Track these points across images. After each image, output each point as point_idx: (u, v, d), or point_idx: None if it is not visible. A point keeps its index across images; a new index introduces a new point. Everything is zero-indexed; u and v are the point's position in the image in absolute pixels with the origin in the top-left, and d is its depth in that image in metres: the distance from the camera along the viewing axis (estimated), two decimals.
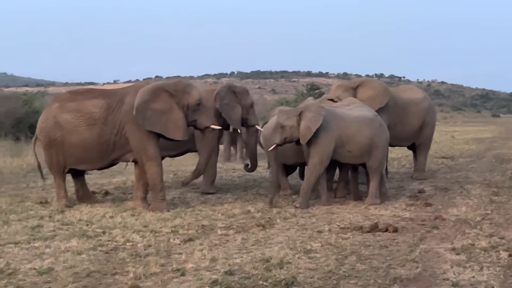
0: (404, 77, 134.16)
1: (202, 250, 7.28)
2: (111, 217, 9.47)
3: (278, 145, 10.65)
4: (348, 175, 11.77)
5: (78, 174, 11.14)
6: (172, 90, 10.36)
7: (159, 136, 10.26)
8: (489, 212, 9.73)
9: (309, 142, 10.43)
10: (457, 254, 7.16)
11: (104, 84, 74.87)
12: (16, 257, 7.04)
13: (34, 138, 10.98)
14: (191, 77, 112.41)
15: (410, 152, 15.82)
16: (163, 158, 10.94)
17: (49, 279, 6.18)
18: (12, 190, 12.44)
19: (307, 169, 10.82)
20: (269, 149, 10.85)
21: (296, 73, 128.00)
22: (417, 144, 14.38)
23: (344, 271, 6.42)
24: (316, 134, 10.29)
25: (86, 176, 11.56)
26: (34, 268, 6.51)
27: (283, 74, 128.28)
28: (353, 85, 13.65)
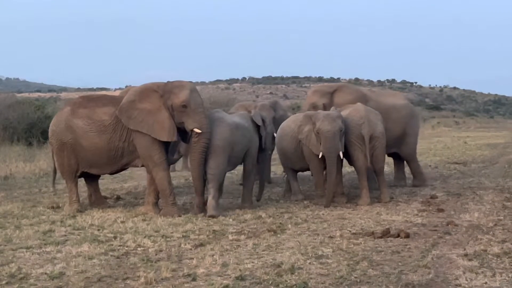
0: (416, 82, 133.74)
1: (213, 255, 7.29)
2: (122, 222, 9.50)
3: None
4: (367, 182, 11.61)
5: (91, 179, 11.19)
6: (161, 91, 10.43)
7: (164, 141, 10.30)
8: (502, 218, 9.67)
9: None
10: (470, 260, 7.11)
11: (116, 89, 75.24)
12: (28, 261, 7.08)
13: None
14: (203, 83, 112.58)
15: (422, 158, 15.79)
16: None
17: (60, 284, 6.20)
18: (24, 195, 12.51)
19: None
20: None
21: (308, 79, 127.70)
22: (403, 156, 13.89)
23: (355, 277, 6.40)
24: None
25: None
26: (46, 273, 6.54)
27: (295, 80, 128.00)
28: (330, 90, 13.55)
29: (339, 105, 12.81)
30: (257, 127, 11.21)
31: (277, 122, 13.91)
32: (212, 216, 9.88)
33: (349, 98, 13.17)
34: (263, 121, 11.37)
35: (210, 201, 10.15)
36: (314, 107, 13.09)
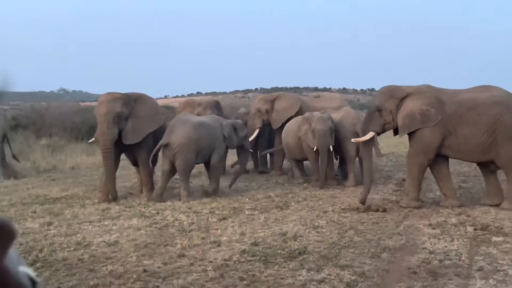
0: None
1: (233, 226, 7.31)
2: (163, 201, 9.51)
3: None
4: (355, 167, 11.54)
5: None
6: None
7: None
8: (458, 195, 9.59)
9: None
10: (433, 228, 7.11)
11: (157, 98, 75.24)
12: (90, 232, 7.13)
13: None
14: (224, 93, 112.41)
15: (396, 150, 15.65)
16: None
17: (115, 249, 6.24)
18: (87, 181, 12.55)
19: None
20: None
21: (306, 89, 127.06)
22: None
23: (344, 243, 6.40)
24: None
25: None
26: (104, 241, 6.59)
27: (295, 90, 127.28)
28: (271, 98, 13.70)
29: (278, 110, 13.15)
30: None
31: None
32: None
33: (286, 104, 13.40)
34: (234, 128, 10.47)
35: (183, 192, 9.63)
36: (259, 111, 13.38)
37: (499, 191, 8.72)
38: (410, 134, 8.77)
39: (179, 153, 9.55)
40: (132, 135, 9.84)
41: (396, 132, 9.21)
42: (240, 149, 10.86)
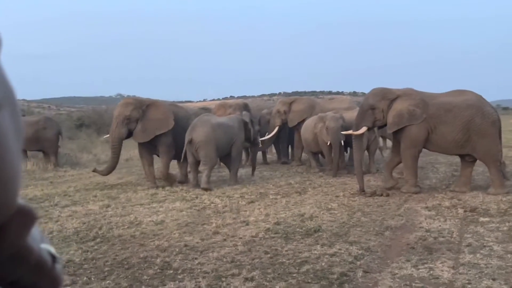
0: None
1: (259, 208, 7.33)
2: (202, 188, 9.55)
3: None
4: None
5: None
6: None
7: None
8: (451, 182, 9.50)
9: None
10: (429, 210, 7.03)
11: (197, 101, 75.34)
12: (141, 213, 7.22)
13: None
14: (253, 96, 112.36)
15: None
16: None
17: (161, 227, 6.32)
18: (139, 171, 12.64)
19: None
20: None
21: (322, 92, 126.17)
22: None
23: (353, 222, 6.38)
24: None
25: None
26: (152, 221, 6.67)
27: (313, 93, 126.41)
28: (289, 101, 13.59)
29: (295, 111, 13.05)
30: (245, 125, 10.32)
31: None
32: (205, 189, 9.18)
33: (302, 107, 13.31)
34: (251, 120, 10.58)
35: (203, 178, 9.39)
36: (279, 112, 13.32)
37: (468, 182, 8.63)
38: (399, 132, 8.73)
39: (201, 149, 9.44)
40: (142, 135, 9.90)
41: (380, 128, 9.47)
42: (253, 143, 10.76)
